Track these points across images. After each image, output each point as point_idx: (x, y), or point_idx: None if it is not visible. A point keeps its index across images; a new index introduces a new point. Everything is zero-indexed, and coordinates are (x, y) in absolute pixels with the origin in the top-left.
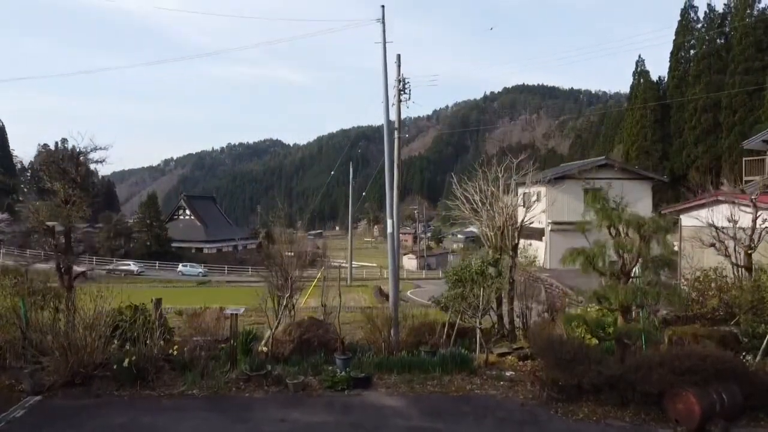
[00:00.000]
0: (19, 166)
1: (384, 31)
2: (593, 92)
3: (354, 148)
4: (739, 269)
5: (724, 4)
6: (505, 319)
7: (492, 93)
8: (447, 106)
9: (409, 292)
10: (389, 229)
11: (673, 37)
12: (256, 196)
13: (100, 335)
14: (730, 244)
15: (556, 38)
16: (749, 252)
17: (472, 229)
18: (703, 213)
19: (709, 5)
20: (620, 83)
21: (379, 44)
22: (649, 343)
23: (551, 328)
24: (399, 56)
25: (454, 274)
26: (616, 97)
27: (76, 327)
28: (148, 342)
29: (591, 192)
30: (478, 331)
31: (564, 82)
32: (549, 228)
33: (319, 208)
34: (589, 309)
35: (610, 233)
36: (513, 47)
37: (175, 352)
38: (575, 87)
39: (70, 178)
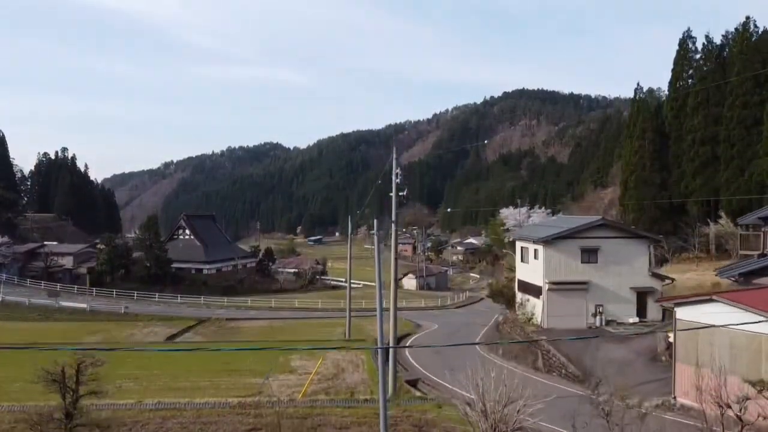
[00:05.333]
0: (19, 174)
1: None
2: (593, 97)
3: (355, 152)
4: None
5: (722, 36)
6: None
7: (492, 97)
8: (447, 110)
9: (407, 346)
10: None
11: (672, 66)
12: (257, 200)
13: None
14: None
15: (556, 41)
16: None
17: (472, 240)
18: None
19: (707, 36)
20: (620, 87)
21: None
22: None
23: None
24: (395, 149)
25: None
26: (615, 102)
27: None
28: None
29: None
30: None
31: (564, 87)
32: (546, 287)
33: (319, 213)
34: None
35: None
36: (513, 50)
37: None
38: (575, 92)
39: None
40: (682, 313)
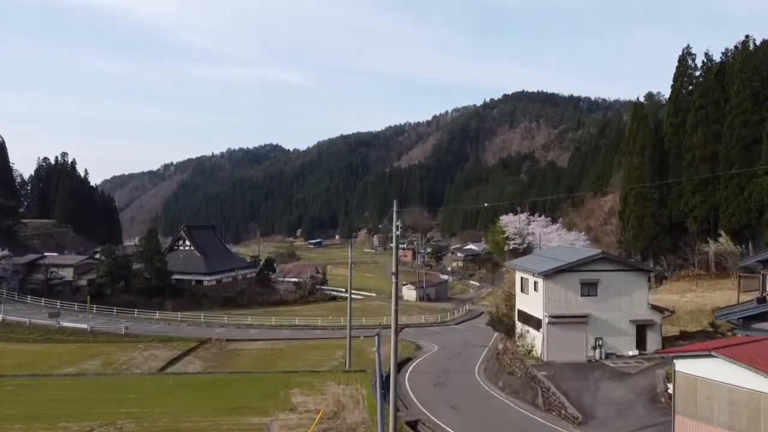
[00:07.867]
0: (18, 179)
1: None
2: (593, 99)
3: (354, 154)
4: None
5: (722, 54)
6: None
7: (492, 100)
8: (447, 112)
9: (407, 377)
10: None
11: (671, 83)
12: (257, 202)
13: None
14: None
15: (556, 42)
16: None
17: (472, 246)
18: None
19: (706, 54)
20: (620, 89)
21: None
22: None
23: None
24: (396, 202)
25: None
26: (615, 105)
27: None
28: None
29: None
30: None
31: (563, 89)
32: (546, 320)
33: (319, 216)
34: None
35: None
36: (513, 51)
37: None
38: (575, 94)
39: None
40: (682, 366)
